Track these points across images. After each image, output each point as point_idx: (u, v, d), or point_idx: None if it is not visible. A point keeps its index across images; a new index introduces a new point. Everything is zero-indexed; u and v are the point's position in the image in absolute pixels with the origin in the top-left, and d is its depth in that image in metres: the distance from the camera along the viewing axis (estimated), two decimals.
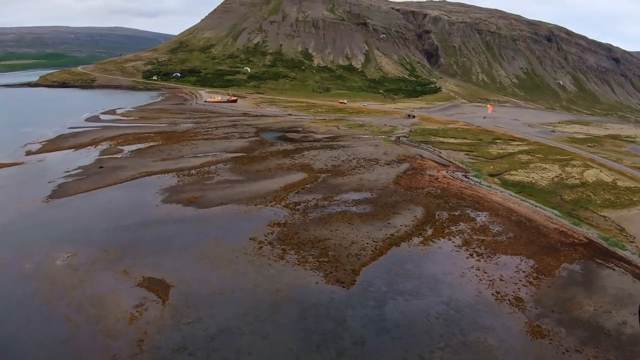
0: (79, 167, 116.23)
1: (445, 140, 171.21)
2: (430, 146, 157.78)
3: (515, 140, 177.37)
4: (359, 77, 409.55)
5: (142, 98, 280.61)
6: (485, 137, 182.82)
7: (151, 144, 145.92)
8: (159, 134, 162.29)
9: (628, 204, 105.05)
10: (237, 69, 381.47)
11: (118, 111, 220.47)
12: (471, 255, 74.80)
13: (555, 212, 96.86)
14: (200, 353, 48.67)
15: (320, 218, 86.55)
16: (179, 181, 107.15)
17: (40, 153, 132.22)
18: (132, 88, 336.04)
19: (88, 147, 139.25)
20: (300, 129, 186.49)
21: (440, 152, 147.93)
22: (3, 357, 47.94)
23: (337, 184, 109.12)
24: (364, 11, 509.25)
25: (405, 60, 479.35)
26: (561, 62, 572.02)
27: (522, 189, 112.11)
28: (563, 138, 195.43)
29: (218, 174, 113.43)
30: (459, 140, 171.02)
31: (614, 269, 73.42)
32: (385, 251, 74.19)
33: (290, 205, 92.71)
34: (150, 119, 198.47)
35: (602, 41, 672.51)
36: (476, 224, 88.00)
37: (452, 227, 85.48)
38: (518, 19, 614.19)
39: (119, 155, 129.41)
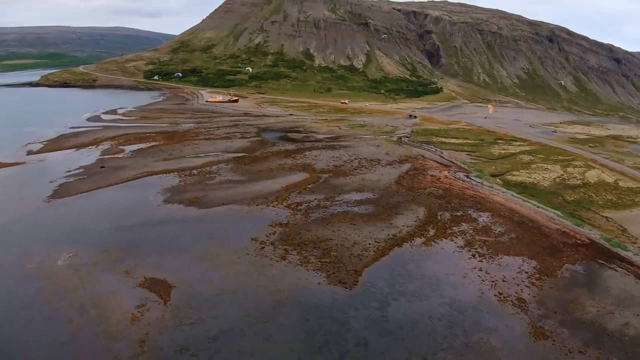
0: (80, 167, 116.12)
1: (446, 140, 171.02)
2: (432, 146, 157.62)
3: (517, 141, 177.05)
4: (360, 77, 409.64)
5: (143, 98, 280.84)
6: (486, 137, 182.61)
7: (152, 143, 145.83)
8: (161, 134, 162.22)
9: (630, 205, 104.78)
10: (238, 69, 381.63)
11: (119, 111, 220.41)
12: (473, 256, 74.62)
13: (557, 212, 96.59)
14: (202, 354, 48.50)
15: (322, 218, 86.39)
16: (180, 181, 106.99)
17: (41, 153, 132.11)
18: (134, 88, 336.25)
19: (89, 147, 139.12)
20: (301, 129, 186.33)
21: (442, 153, 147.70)
22: (4, 358, 47.80)
23: (339, 184, 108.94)
24: (365, 11, 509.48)
25: (407, 60, 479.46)
26: (562, 63, 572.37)
27: (524, 189, 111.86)
28: (564, 138, 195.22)
29: (220, 174, 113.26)
30: (460, 141, 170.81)
31: (616, 270, 73.15)
32: (388, 252, 74.03)
33: (292, 206, 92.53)
34: (152, 119, 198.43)
35: (603, 41, 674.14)
36: (478, 224, 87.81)
37: (454, 228, 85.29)
38: (519, 19, 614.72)
39: (120, 155, 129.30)
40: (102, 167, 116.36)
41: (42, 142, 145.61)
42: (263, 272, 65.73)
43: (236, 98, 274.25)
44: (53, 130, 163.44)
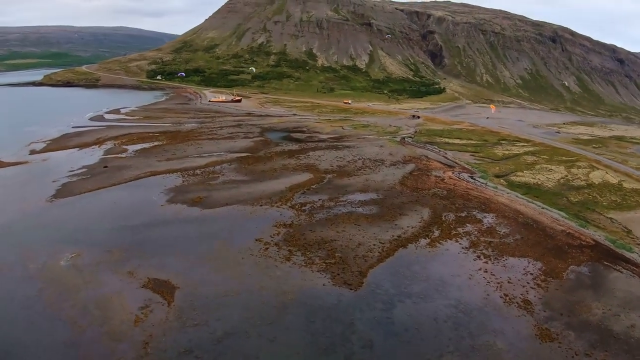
0: (83, 167, 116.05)
1: (450, 141, 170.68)
2: (436, 147, 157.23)
3: (521, 141, 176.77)
4: (363, 78, 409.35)
5: (146, 97, 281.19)
6: (490, 138, 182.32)
7: (156, 143, 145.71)
8: (164, 134, 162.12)
9: (634, 206, 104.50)
10: (241, 69, 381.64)
11: (122, 110, 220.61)
12: (478, 257, 74.34)
13: (562, 213, 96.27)
14: (206, 356, 48.22)
15: (326, 219, 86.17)
16: (183, 181, 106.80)
17: (44, 152, 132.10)
18: (136, 87, 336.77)
19: (92, 147, 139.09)
20: (305, 129, 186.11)
21: (445, 153, 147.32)
22: (6, 359, 47.56)
23: (343, 184, 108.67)
24: (368, 11, 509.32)
25: (410, 60, 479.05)
26: (565, 63, 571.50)
27: (528, 190, 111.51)
28: (568, 139, 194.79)
29: (223, 174, 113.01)
30: (464, 141, 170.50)
31: (621, 272, 72.88)
32: (392, 253, 73.76)
33: (296, 206, 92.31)
34: (155, 119, 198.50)
35: (606, 42, 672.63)
36: (483, 225, 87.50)
37: (459, 229, 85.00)
38: (522, 19, 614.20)
39: (123, 155, 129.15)
40: (105, 166, 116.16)
41: (45, 141, 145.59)
42: (267, 273, 65.48)
43: (239, 98, 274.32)
44: (56, 130, 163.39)
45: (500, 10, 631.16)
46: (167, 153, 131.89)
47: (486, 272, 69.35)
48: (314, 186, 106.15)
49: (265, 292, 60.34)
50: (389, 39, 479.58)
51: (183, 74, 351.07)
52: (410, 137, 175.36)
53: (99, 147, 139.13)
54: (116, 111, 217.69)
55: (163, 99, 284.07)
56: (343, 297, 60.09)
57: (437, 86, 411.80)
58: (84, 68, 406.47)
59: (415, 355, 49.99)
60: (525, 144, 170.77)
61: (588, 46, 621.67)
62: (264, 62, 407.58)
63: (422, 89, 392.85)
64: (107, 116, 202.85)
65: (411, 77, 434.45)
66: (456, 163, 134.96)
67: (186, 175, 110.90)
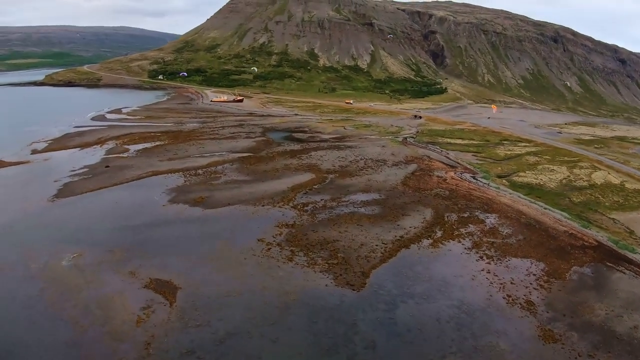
0: (85, 166, 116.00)
1: (452, 141, 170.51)
2: (438, 147, 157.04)
3: (522, 142, 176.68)
4: (364, 78, 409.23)
5: (147, 97, 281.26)
6: (492, 138, 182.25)
7: (157, 143, 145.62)
8: (165, 133, 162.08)
9: (637, 207, 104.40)
10: (242, 69, 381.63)
11: (124, 110, 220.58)
12: (481, 257, 74.18)
13: (565, 214, 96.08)
14: (209, 357, 48.07)
15: (328, 219, 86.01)
16: (185, 181, 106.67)
17: (45, 152, 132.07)
18: (138, 87, 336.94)
19: (94, 146, 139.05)
20: (306, 129, 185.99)
21: (447, 153, 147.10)
22: (8, 359, 47.47)
23: (345, 184, 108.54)
24: (370, 11, 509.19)
25: (411, 60, 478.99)
26: (567, 63, 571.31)
27: (531, 190, 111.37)
28: (570, 139, 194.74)
29: (225, 174, 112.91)
30: (466, 142, 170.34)
31: (624, 273, 72.71)
32: (395, 253, 73.58)
33: (299, 206, 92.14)
34: (156, 118, 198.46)
35: (608, 42, 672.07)
36: (485, 226, 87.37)
37: (461, 229, 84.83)
38: (524, 19, 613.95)
39: (125, 155, 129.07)
40: (107, 166, 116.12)
41: (47, 141, 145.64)
42: (270, 273, 65.34)
43: (241, 98, 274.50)
44: (57, 130, 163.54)
45: (501, 10, 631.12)
46: (168, 153, 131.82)
47: (489, 272, 69.21)
48: (316, 186, 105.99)
49: (267, 293, 60.20)
50: (390, 39, 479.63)
51: (185, 73, 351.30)
52: (412, 137, 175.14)
53: (100, 146, 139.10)
54: (118, 111, 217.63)
55: (165, 98, 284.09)
56: (345, 297, 59.93)
57: (438, 86, 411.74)
58: (85, 68, 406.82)
59: (418, 356, 49.84)
60: (527, 144, 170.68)
61: (590, 46, 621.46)
62: (265, 62, 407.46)
63: (424, 89, 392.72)
64: (108, 116, 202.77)
65: (413, 77, 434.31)
66: (458, 163, 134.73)
67: (188, 175, 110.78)
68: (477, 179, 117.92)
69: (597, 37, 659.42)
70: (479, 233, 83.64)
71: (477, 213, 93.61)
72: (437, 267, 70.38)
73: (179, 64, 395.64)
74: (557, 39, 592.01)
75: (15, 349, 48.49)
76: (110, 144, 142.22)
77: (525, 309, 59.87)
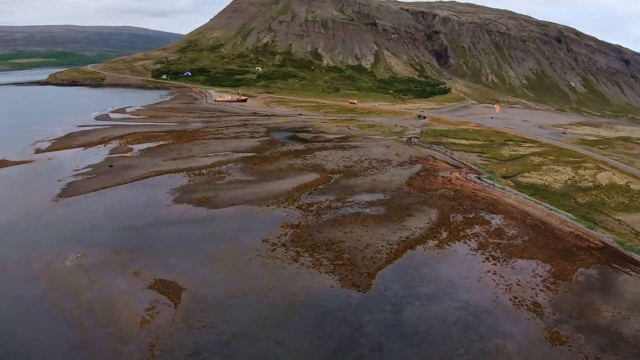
0: (89, 166, 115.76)
1: (456, 141, 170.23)
2: (442, 147, 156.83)
3: (527, 142, 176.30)
4: (368, 78, 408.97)
5: (151, 97, 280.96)
6: (496, 138, 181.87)
7: (161, 142, 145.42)
8: (169, 133, 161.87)
9: None
10: (246, 69, 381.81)
11: (127, 110, 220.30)
12: (487, 259, 73.85)
13: (570, 215, 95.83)
14: (214, 359, 47.78)
15: (333, 220, 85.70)
16: (189, 181, 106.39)
17: (49, 151, 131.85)
18: (142, 87, 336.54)
19: (98, 146, 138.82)
20: (311, 129, 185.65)
21: (452, 154, 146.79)
22: None
23: (349, 185, 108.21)
24: (374, 11, 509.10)
25: (415, 60, 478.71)
26: (571, 63, 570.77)
27: (536, 191, 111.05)
28: (574, 140, 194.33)
29: (229, 174, 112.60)
30: (470, 142, 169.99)
31: (630, 274, 72.45)
32: (401, 254, 73.25)
33: (303, 207, 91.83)
34: (160, 118, 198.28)
35: (612, 42, 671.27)
36: (491, 226, 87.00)
37: (467, 230, 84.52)
38: (528, 19, 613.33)
39: (128, 154, 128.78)
40: (111, 166, 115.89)
41: (50, 140, 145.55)
42: (275, 274, 65.02)
43: (245, 97, 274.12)
44: (61, 129, 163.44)
45: (505, 10, 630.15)
46: (172, 152, 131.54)
47: (495, 274, 68.90)
48: (320, 186, 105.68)
49: (272, 294, 59.90)
50: (394, 39, 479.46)
51: (189, 73, 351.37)
52: (417, 138, 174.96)
53: (104, 146, 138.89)
54: (121, 110, 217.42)
55: (168, 98, 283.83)
56: (351, 299, 59.60)
57: (442, 86, 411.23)
58: (89, 67, 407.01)
59: (425, 358, 49.56)
60: (532, 145, 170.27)
61: (593, 46, 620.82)
62: (269, 61, 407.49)
63: (428, 89, 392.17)
64: (112, 115, 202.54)
65: (416, 77, 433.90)
66: (463, 164, 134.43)
67: (192, 175, 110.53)
68: (482, 180, 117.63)
69: (600, 37, 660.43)
70: (484, 234, 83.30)
71: (482, 214, 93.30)
72: (443, 268, 70.04)
73: (183, 63, 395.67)
74: (561, 39, 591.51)
75: (18, 350, 48.28)
76: (114, 144, 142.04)
77: (532, 310, 59.57)
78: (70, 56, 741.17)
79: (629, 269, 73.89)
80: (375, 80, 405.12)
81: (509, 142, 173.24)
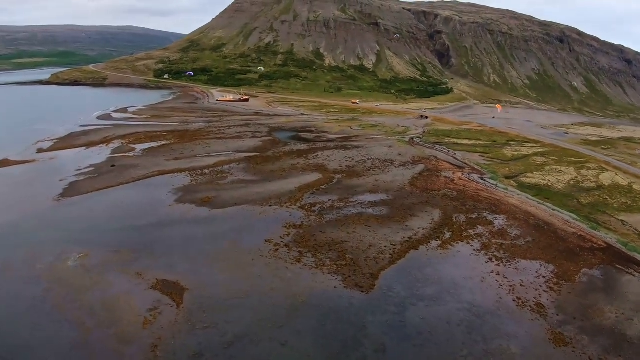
0: (91, 166, 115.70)
1: (459, 141, 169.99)
2: (445, 147, 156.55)
3: (529, 142, 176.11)
4: (370, 77, 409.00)
5: (153, 96, 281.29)
6: (499, 138, 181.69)
7: (163, 142, 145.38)
8: (171, 133, 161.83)
9: None
10: (248, 68, 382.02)
11: (130, 109, 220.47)
12: (490, 259, 73.54)
13: (573, 215, 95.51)
14: None
15: (336, 220, 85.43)
16: (192, 181, 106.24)
17: (51, 151, 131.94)
18: (144, 86, 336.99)
19: (100, 146, 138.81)
20: (313, 128, 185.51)
21: (454, 154, 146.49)
22: None
23: (352, 185, 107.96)
24: (375, 11, 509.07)
25: (417, 60, 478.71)
26: (573, 64, 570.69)
27: (539, 191, 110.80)
28: (577, 140, 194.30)
29: (232, 174, 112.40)
30: (472, 142, 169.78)
31: (633, 275, 72.14)
32: (404, 255, 72.96)
33: (306, 207, 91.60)
34: (162, 118, 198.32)
35: (614, 42, 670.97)
36: (494, 227, 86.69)
37: (470, 231, 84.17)
38: (530, 19, 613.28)
39: (131, 154, 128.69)
40: (113, 165, 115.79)
41: (53, 140, 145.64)
42: (278, 274, 64.77)
43: (247, 97, 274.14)
44: (63, 128, 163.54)
45: (507, 10, 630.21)
46: (175, 152, 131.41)
47: (498, 274, 68.61)
48: (323, 186, 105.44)
49: (275, 294, 59.65)
50: (397, 38, 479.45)
51: (191, 73, 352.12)
52: (419, 138, 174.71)
53: (106, 146, 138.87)
54: (123, 110, 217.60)
55: (170, 98, 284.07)
56: (355, 299, 59.32)
57: (444, 86, 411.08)
58: (91, 67, 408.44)
59: None
60: (534, 145, 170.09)
61: (596, 46, 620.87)
62: (271, 61, 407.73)
63: (430, 89, 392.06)
64: (114, 115, 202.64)
65: (418, 77, 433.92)
66: (466, 164, 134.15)
67: (194, 175, 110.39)
68: (484, 180, 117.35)
69: (603, 37, 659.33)
70: (487, 234, 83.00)
71: (485, 214, 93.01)
72: (446, 269, 69.81)
73: (185, 63, 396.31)
74: (563, 39, 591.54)
75: (19, 351, 48.16)
76: (116, 143, 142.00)
77: (536, 311, 59.29)
78: (72, 56, 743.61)
79: (633, 270, 73.56)
80: (378, 80, 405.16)
81: (512, 143, 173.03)
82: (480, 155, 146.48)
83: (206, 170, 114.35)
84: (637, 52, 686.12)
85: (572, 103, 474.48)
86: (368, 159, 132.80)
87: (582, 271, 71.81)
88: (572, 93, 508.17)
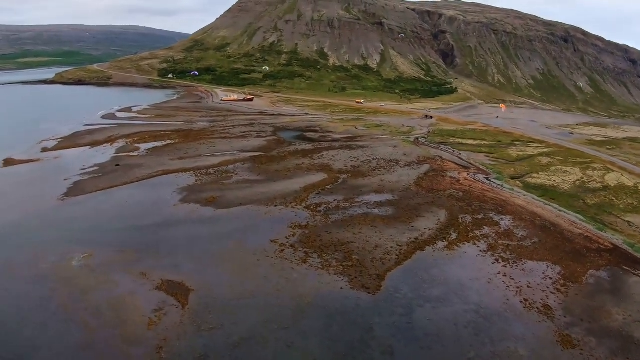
0: (95, 165, 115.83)
1: (464, 141, 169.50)
2: (450, 147, 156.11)
3: (534, 142, 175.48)
4: (374, 77, 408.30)
5: (158, 96, 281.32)
6: (504, 138, 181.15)
7: (168, 142, 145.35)
8: (176, 132, 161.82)
9: None
10: (252, 68, 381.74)
11: (134, 109, 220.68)
12: (497, 260, 73.18)
13: (579, 216, 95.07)
14: None
15: (342, 220, 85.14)
16: (196, 180, 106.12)
17: (56, 150, 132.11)
18: (148, 86, 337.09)
19: (104, 145, 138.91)
20: (318, 128, 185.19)
21: (460, 154, 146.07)
22: None
23: (357, 185, 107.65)
24: (380, 11, 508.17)
25: (421, 60, 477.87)
26: (578, 63, 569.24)
27: (545, 192, 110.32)
28: (582, 140, 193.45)
29: (236, 174, 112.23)
30: (477, 142, 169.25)
31: None
32: (410, 255, 72.62)
33: (312, 207, 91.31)
34: (167, 117, 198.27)
35: (618, 42, 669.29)
36: (500, 228, 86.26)
37: (476, 231, 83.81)
38: (534, 19, 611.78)
39: (135, 153, 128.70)
40: (117, 165, 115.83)
41: (57, 139, 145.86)
42: (283, 275, 64.50)
43: (251, 97, 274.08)
44: (68, 128, 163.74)
45: (512, 10, 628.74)
46: (179, 152, 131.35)
47: (505, 276, 68.24)
48: (328, 186, 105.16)
49: (281, 295, 59.41)
50: (401, 38, 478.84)
51: (196, 72, 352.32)
52: (424, 138, 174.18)
53: (111, 145, 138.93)
54: (128, 109, 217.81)
55: (175, 97, 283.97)
56: (361, 301, 59.02)
57: (449, 86, 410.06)
58: (95, 66, 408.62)
59: None
60: (539, 145, 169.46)
61: (600, 46, 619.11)
62: (275, 61, 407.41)
63: (434, 89, 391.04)
64: (118, 114, 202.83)
65: (423, 77, 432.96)
66: (471, 164, 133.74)
67: (199, 175, 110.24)
68: (490, 180, 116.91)
69: (607, 37, 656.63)
70: (494, 235, 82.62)
71: (491, 215, 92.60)
72: (453, 270, 69.50)
73: (189, 62, 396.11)
74: (568, 39, 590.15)
75: (24, 352, 48.02)
76: (120, 143, 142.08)
77: (543, 313, 58.94)
78: (76, 55, 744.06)
79: (639, 272, 73.23)
80: (382, 79, 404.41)
81: (517, 143, 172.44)
82: (485, 156, 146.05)
83: (211, 170, 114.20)
84: None
85: (576, 103, 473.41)
86: (373, 159, 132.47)
87: (589, 272, 71.43)
88: (577, 93, 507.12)
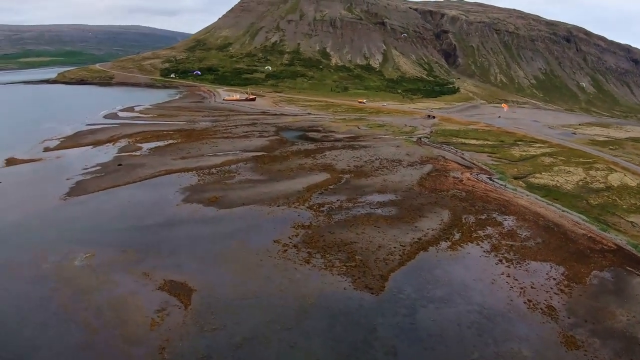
0: (97, 165, 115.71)
1: (466, 141, 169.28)
2: (452, 147, 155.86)
3: (537, 142, 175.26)
4: (377, 77, 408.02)
5: (160, 96, 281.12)
6: (506, 138, 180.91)
7: (170, 141, 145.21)
8: (178, 132, 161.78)
9: None
10: (254, 68, 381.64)
11: (136, 108, 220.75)
12: (500, 261, 72.96)
13: (583, 217, 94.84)
14: None
15: (345, 220, 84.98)
16: (199, 180, 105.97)
17: (58, 150, 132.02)
18: (150, 86, 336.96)
19: (106, 144, 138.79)
20: (320, 128, 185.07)
21: (462, 154, 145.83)
22: None
23: (360, 185, 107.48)
24: (382, 10, 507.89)
25: (423, 60, 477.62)
26: (580, 63, 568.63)
27: (548, 192, 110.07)
28: (584, 140, 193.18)
29: (239, 173, 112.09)
30: (480, 142, 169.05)
31: None
32: (414, 256, 72.48)
33: (314, 207, 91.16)
34: (169, 117, 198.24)
35: (621, 42, 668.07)
36: (504, 228, 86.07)
37: (479, 232, 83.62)
38: (536, 19, 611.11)
39: (137, 153, 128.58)
40: (120, 164, 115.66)
41: (59, 138, 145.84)
42: (286, 275, 64.38)
43: (253, 96, 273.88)
44: (70, 127, 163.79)
45: (514, 10, 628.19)
46: (181, 151, 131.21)
47: (509, 276, 68.07)
48: (331, 186, 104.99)
49: (284, 296, 59.27)
50: (403, 38, 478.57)
51: (199, 72, 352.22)
52: (427, 137, 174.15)
53: (113, 144, 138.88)
54: (130, 109, 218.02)
55: (177, 97, 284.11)
56: (364, 301, 58.89)
57: (451, 86, 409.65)
58: (97, 66, 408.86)
59: None
60: (542, 145, 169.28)
61: (603, 46, 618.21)
62: (277, 61, 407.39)
63: (436, 89, 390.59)
64: (121, 114, 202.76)
65: (425, 77, 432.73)
66: (474, 164, 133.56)
67: (201, 174, 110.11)
68: (493, 180, 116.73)
69: (610, 37, 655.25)
70: (497, 236, 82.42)
71: (494, 215, 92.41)
72: (456, 271, 69.30)
73: (191, 62, 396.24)
74: (570, 39, 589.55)
75: (25, 351, 47.94)
76: (122, 142, 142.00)
77: (547, 314, 58.80)
78: (78, 55, 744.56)
79: None
80: (384, 79, 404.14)
81: (519, 143, 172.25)
82: (488, 156, 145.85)
83: (213, 170, 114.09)
84: None
85: (579, 103, 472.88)
86: (376, 159, 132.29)
87: (593, 273, 71.33)
88: (579, 93, 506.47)
